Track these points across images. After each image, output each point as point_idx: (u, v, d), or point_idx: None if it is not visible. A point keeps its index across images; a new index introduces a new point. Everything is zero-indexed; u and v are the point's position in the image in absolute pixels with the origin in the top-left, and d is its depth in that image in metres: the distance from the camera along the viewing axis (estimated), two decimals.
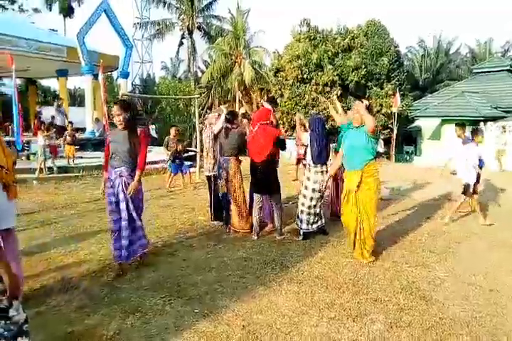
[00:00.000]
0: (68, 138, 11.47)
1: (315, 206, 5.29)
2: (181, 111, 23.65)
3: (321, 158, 5.21)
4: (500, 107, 19.58)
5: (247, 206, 5.67)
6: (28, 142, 12.08)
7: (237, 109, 21.73)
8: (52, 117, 15.51)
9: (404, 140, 22.82)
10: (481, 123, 17.87)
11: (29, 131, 15.72)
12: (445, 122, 19.71)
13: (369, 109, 4.57)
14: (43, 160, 10.10)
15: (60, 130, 13.20)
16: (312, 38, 21.46)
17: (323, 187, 5.29)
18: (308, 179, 5.30)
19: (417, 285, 3.88)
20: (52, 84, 31.44)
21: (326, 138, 5.27)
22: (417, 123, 22.51)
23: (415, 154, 22.44)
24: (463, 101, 19.71)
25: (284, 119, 20.71)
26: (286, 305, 3.48)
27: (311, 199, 5.26)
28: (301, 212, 5.34)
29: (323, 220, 5.49)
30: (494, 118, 18.38)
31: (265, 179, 5.22)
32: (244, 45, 24.84)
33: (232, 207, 5.59)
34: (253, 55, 24.92)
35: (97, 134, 15.34)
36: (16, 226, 5.39)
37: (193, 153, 11.17)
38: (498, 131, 16.34)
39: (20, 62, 13.12)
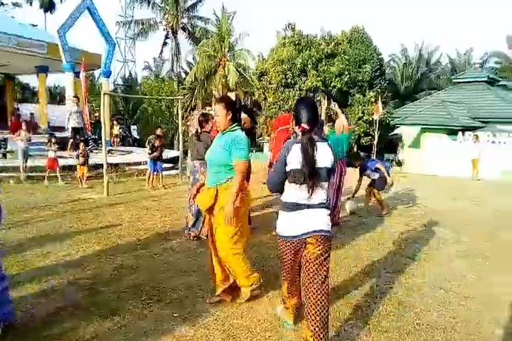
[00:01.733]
0: (81, 158, 9.32)
1: None
2: (164, 112, 23.51)
3: None
4: (478, 117, 20.13)
5: None
6: (5, 140, 11.78)
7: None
8: (32, 114, 15.17)
9: (385, 147, 23.21)
10: (460, 133, 18.33)
11: (6, 128, 15.36)
12: (425, 131, 20.15)
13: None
14: (23, 163, 9.50)
15: (76, 133, 12.77)
16: (297, 42, 21.70)
17: None
18: None
19: (395, 291, 3.94)
20: (30, 80, 30.81)
21: None
22: (397, 130, 22.92)
23: (396, 163, 22.82)
24: (443, 110, 20.20)
25: (268, 123, 20.81)
26: (266, 310, 3.49)
27: None
28: None
29: None
30: (473, 128, 18.88)
31: None
32: (229, 47, 24.91)
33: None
34: (237, 58, 25.00)
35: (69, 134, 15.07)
36: None
37: (175, 155, 11.12)
38: (472, 140, 16.78)
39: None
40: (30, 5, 37.30)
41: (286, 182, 2.75)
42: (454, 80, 25.06)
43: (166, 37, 30.30)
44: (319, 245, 2.69)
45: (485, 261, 4.93)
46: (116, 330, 3.08)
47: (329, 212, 2.81)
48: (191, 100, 25.09)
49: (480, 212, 7.72)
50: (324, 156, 2.67)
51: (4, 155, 11.24)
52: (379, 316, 3.42)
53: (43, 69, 17.13)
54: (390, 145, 23.44)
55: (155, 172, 9.14)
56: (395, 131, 23.00)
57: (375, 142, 17.33)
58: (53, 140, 9.59)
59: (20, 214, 6.50)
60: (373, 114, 18.92)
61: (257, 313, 3.42)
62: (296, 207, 2.71)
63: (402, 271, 4.47)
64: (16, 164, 9.80)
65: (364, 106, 22.11)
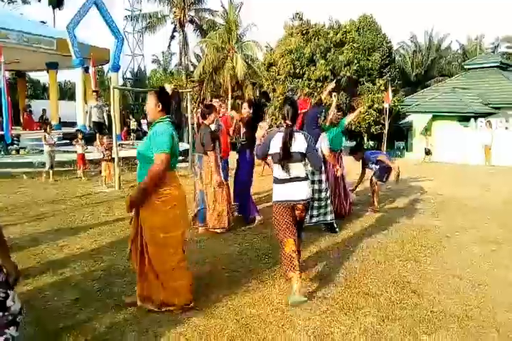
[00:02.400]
0: (107, 152, 8.78)
1: (312, 199, 5.05)
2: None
3: None
4: (490, 103, 19.77)
5: (228, 204, 5.47)
6: (18, 136, 11.93)
7: (229, 104, 21.69)
8: (44, 111, 15.29)
9: (395, 135, 22.97)
10: (472, 120, 18.05)
11: (19, 125, 15.56)
12: (436, 118, 19.88)
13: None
14: (49, 168, 9.13)
15: (98, 128, 12.03)
16: (304, 32, 21.47)
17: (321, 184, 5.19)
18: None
19: (408, 279, 3.92)
20: (41, 77, 31.04)
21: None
22: (408, 118, 22.67)
23: (406, 149, 22.60)
24: (454, 97, 19.88)
25: (277, 114, 20.70)
26: (279, 299, 3.50)
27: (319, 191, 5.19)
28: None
29: (331, 216, 5.33)
30: (485, 115, 18.56)
31: None
32: (237, 39, 24.76)
33: (208, 204, 5.37)
34: (245, 49, 24.86)
35: (88, 129, 15.19)
36: (8, 220, 5.37)
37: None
38: (485, 126, 16.49)
39: (10, 54, 12.93)
40: (39, 1, 37.42)
41: (272, 163, 3.64)
42: (465, 66, 24.59)
43: (174, 30, 30.21)
44: (301, 210, 3.62)
45: (499, 247, 4.88)
46: (131, 321, 3.13)
47: (309, 183, 3.63)
48: (200, 93, 25.07)
49: (492, 199, 7.62)
50: (299, 143, 3.47)
51: (17, 151, 11.39)
52: (392, 304, 3.42)
53: (53, 66, 17.25)
54: (400, 133, 23.20)
55: None
56: (406, 119, 22.75)
57: (385, 130, 17.17)
58: (80, 136, 9.66)
59: (36, 208, 6.60)
60: (383, 102, 18.69)
61: (270, 302, 3.43)
62: (280, 181, 3.56)
63: (415, 259, 4.45)
64: (27, 160, 9.95)
65: (374, 94, 21.85)
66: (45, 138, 9.22)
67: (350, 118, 6.74)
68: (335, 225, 5.41)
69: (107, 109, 12.20)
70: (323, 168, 4.97)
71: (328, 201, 5.32)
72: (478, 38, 36.84)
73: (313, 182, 5.06)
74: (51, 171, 9.16)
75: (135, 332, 2.98)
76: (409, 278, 3.97)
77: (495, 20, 69.45)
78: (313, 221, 5.25)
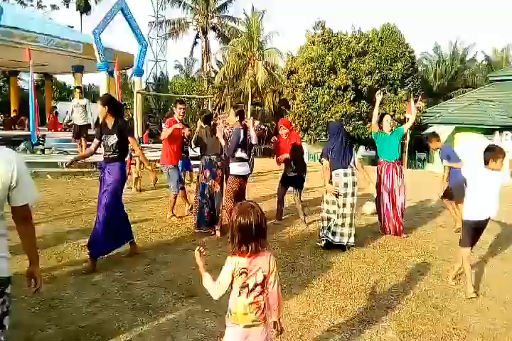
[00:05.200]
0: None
1: (344, 215, 4.88)
2: (194, 110, 23.76)
3: (342, 162, 4.89)
4: None
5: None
6: (44, 136, 12.19)
7: (248, 111, 21.78)
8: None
9: (416, 146, 22.65)
10: (497, 132, 17.71)
11: (45, 125, 15.91)
12: (459, 130, 19.54)
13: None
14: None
15: (78, 133, 10.68)
16: (326, 40, 21.42)
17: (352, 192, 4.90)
18: (336, 184, 4.90)
19: (429, 294, 3.84)
20: (67, 79, 31.76)
21: (349, 144, 5.10)
22: (430, 129, 22.32)
23: (427, 161, 22.26)
24: (478, 109, 19.52)
25: (297, 122, 20.67)
26: (297, 309, 3.47)
27: (333, 203, 4.92)
28: (323, 219, 5.03)
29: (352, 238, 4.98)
30: (510, 127, 18.18)
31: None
32: (258, 46, 24.92)
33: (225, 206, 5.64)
34: (266, 57, 24.98)
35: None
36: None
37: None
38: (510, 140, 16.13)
39: (39, 57, 13.29)
40: (67, 7, 38.46)
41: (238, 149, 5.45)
42: (490, 78, 24.17)
43: (197, 37, 30.62)
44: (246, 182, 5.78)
45: None
46: (149, 324, 3.14)
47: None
48: (220, 99, 25.26)
49: None
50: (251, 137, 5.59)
51: (42, 151, 11.63)
52: (413, 319, 3.35)
53: (78, 69, 17.64)
54: (421, 144, 22.86)
55: (185, 170, 9.09)
56: (428, 130, 22.43)
57: (406, 141, 16.92)
58: None
59: (59, 207, 6.71)
60: (405, 112, 18.46)
61: (288, 312, 3.39)
62: (240, 160, 5.54)
63: (438, 274, 4.35)
64: (52, 160, 10.14)
65: (395, 104, 21.61)
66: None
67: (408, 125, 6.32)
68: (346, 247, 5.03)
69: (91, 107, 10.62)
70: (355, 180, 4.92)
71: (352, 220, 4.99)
72: (505, 49, 36.22)
73: (345, 195, 4.84)
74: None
75: (153, 334, 2.98)
76: (430, 292, 3.88)
77: None
78: (338, 241, 4.94)
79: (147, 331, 3.03)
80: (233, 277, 1.99)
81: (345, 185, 4.84)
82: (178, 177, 6.25)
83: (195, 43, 31.40)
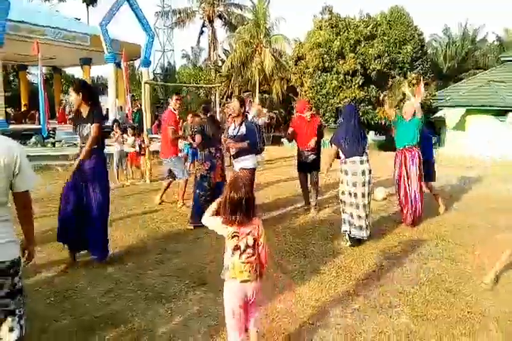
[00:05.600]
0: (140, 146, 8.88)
1: (364, 205, 4.57)
2: (202, 99, 23.68)
3: (357, 149, 4.63)
4: None
5: None
6: (54, 129, 12.28)
7: (256, 98, 21.63)
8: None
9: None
10: (509, 114, 17.36)
11: (54, 118, 16.01)
12: (470, 112, 19.19)
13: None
14: (117, 169, 8.49)
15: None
16: (334, 25, 21.06)
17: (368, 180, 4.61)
18: (346, 172, 4.65)
19: (443, 278, 3.80)
20: (75, 72, 31.81)
21: (361, 128, 4.86)
22: (440, 113, 21.97)
23: (439, 144, 21.96)
24: (489, 90, 19.10)
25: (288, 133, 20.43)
26: (309, 295, 3.46)
27: (355, 195, 4.57)
28: (344, 211, 4.67)
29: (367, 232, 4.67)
30: None
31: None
32: (265, 33, 24.57)
33: None
34: (274, 43, 24.66)
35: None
36: (42, 211, 5.51)
37: None
38: None
39: (47, 50, 13.31)
40: None
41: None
42: (502, 59, 23.59)
43: (203, 25, 30.33)
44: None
45: None
46: (162, 313, 3.16)
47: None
48: (228, 87, 25.08)
49: None
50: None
51: (53, 144, 11.72)
52: (427, 303, 3.32)
53: (86, 61, 17.67)
54: (432, 127, 22.54)
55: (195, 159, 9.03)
56: (438, 113, 22.08)
57: None
58: (117, 129, 8.73)
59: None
60: (415, 95, 18.17)
61: (300, 298, 3.39)
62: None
63: (451, 258, 4.30)
64: (63, 152, 10.22)
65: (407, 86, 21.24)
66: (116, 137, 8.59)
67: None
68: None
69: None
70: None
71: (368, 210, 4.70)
72: None
73: (363, 183, 4.58)
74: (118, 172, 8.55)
75: (166, 323, 3.00)
76: (444, 277, 3.85)
77: None
78: (363, 235, 4.62)
79: (160, 320, 3.05)
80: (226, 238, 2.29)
81: (363, 173, 4.56)
82: (183, 165, 6.47)
83: (202, 32, 31.13)
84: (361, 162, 4.60)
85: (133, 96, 19.64)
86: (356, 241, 4.65)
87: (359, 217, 4.58)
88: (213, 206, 2.42)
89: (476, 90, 19.70)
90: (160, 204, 6.50)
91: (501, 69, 22.18)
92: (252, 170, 5.30)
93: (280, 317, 3.09)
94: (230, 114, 6.52)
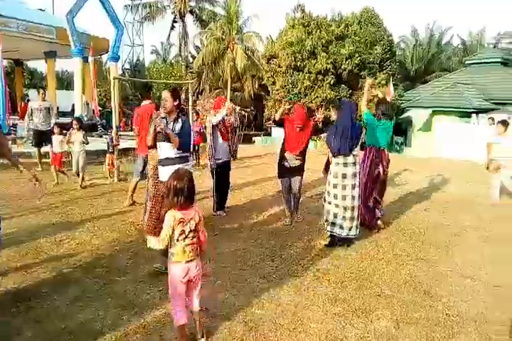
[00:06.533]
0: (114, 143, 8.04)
1: (345, 208, 4.49)
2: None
3: (343, 147, 4.49)
4: (492, 99, 19.61)
5: None
6: (15, 125, 11.69)
7: (228, 96, 21.43)
8: None
9: (394, 130, 22.81)
10: (473, 115, 17.91)
11: (16, 114, 15.28)
12: (436, 113, 19.72)
13: None
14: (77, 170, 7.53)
15: (38, 140, 8.80)
16: (306, 24, 21.12)
17: (352, 183, 4.51)
18: (330, 173, 4.65)
19: (420, 280, 3.80)
20: (38, 66, 30.61)
21: (357, 125, 4.62)
22: (407, 113, 22.49)
23: (405, 145, 22.47)
24: (455, 92, 19.70)
25: (277, 107, 20.45)
26: (288, 300, 3.37)
27: (335, 196, 4.52)
28: (328, 212, 4.61)
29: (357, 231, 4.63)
30: (486, 110, 18.42)
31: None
32: (237, 30, 24.38)
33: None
34: (246, 41, 24.51)
35: (85, 119, 14.92)
36: (3, 213, 5.19)
37: None
38: (488, 123, 16.35)
39: (9, 42, 12.64)
40: None
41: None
42: (466, 62, 24.39)
43: (174, 20, 29.73)
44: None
45: (509, 247, 4.75)
46: (135, 322, 2.99)
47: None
48: (199, 84, 24.74)
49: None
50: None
51: (14, 141, 11.15)
52: (406, 306, 3.30)
53: (51, 55, 16.95)
54: (399, 128, 23.02)
55: None
56: (406, 114, 22.58)
57: None
58: (76, 126, 7.54)
59: (33, 200, 6.42)
60: (384, 96, 18.48)
61: (279, 303, 3.30)
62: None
63: (426, 259, 4.33)
64: (25, 150, 9.72)
65: (375, 88, 21.60)
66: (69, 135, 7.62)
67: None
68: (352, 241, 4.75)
69: (55, 112, 9.23)
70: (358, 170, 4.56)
71: (357, 212, 4.62)
72: (480, 32, 36.57)
73: (344, 187, 4.50)
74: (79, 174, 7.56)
75: (139, 334, 2.84)
76: (421, 278, 3.85)
77: (496, 15, 69.04)
78: (345, 234, 4.57)
79: (133, 330, 2.88)
80: (173, 227, 2.60)
81: (344, 175, 4.48)
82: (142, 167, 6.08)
83: (173, 27, 30.49)
84: (345, 165, 4.49)
85: (99, 91, 19.00)
86: (337, 242, 4.61)
87: (343, 217, 4.52)
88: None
89: (442, 92, 20.28)
90: (131, 205, 6.26)
91: (465, 72, 22.93)
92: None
93: (259, 324, 2.99)
94: (197, 112, 6.39)
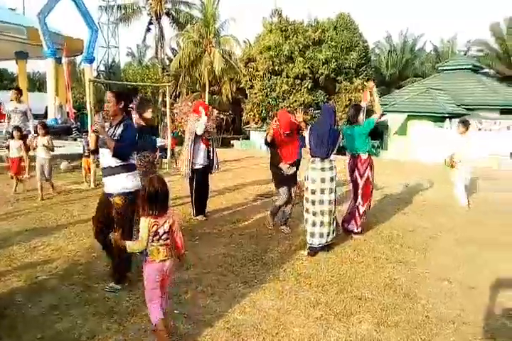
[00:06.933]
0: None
1: (323, 213, 4.47)
2: (148, 99, 23.02)
3: (321, 150, 4.47)
4: (463, 105, 20.22)
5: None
6: None
7: (206, 99, 21.36)
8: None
9: (370, 134, 23.18)
10: (447, 120, 18.40)
11: None
12: (411, 118, 20.17)
13: None
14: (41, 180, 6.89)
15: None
16: (283, 29, 21.32)
17: (330, 187, 4.49)
18: (306, 178, 4.57)
19: (399, 283, 3.86)
20: (9, 66, 29.77)
21: (335, 130, 4.56)
22: (383, 118, 22.90)
23: (381, 148, 22.86)
24: (429, 97, 20.21)
25: (255, 111, 20.54)
26: (270, 304, 3.37)
27: (313, 202, 4.49)
28: (306, 221, 4.57)
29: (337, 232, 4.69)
30: (458, 115, 18.95)
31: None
32: (214, 33, 24.38)
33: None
34: (223, 44, 24.53)
35: (59, 122, 14.57)
36: None
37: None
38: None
39: None
40: None
41: None
42: (439, 68, 25.08)
43: (150, 22, 29.48)
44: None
45: (480, 249, 4.84)
46: (114, 330, 2.92)
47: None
48: (176, 87, 24.57)
49: (471, 199, 7.69)
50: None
51: None
52: (386, 309, 3.33)
53: (22, 55, 16.49)
54: (375, 131, 23.44)
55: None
56: (381, 118, 22.98)
57: None
58: (42, 131, 6.95)
59: (5, 206, 6.22)
60: (360, 101, 18.78)
61: (261, 308, 3.29)
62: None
63: (404, 261, 4.39)
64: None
65: (351, 93, 21.98)
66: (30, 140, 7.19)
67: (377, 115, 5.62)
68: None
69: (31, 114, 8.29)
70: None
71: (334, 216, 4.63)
72: (451, 39, 37.71)
73: (322, 191, 4.47)
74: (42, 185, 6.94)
75: None
76: (400, 281, 3.91)
77: (467, 22, 71.37)
78: (329, 239, 4.55)
79: (113, 339, 2.81)
80: (149, 229, 2.69)
81: (323, 180, 4.46)
82: None
83: (149, 29, 30.21)
84: (322, 169, 4.46)
85: (73, 93, 18.59)
86: (318, 250, 4.55)
87: (321, 223, 4.48)
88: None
89: (416, 97, 20.76)
90: None
91: (438, 78, 23.56)
92: (127, 196, 3.49)
93: (241, 330, 2.97)
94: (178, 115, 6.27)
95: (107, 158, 3.51)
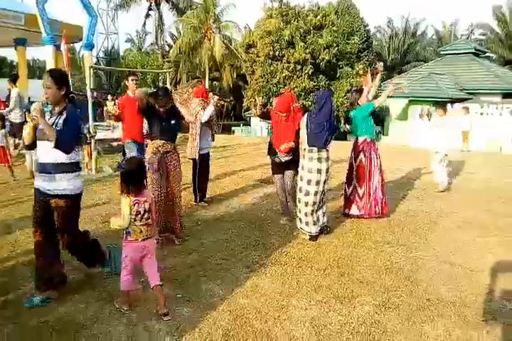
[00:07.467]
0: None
1: (314, 203, 4.46)
2: (149, 85, 22.88)
3: (318, 139, 4.36)
4: (465, 89, 20.05)
5: None
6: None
7: (206, 85, 21.18)
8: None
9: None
10: (448, 104, 18.25)
11: None
12: (412, 103, 20.03)
13: None
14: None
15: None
16: (284, 14, 21.02)
17: (324, 179, 4.47)
18: (303, 168, 4.52)
19: (400, 266, 3.87)
20: (8, 54, 29.54)
21: (331, 118, 4.46)
22: (384, 103, 22.74)
23: (382, 134, 22.77)
24: (430, 82, 20.02)
25: (256, 97, 20.39)
26: (272, 288, 3.39)
27: (308, 193, 4.46)
28: (300, 211, 4.56)
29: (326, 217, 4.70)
30: (460, 100, 18.82)
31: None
32: (215, 18, 24.07)
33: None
34: (223, 30, 24.24)
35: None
36: None
37: None
38: (463, 112, 16.73)
39: None
40: None
41: None
42: (441, 52, 24.78)
43: (149, 8, 29.11)
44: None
45: (481, 233, 4.86)
46: (116, 314, 2.95)
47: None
48: (176, 73, 24.38)
49: (472, 184, 7.68)
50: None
51: None
52: (387, 292, 3.35)
53: (21, 42, 16.30)
54: (376, 117, 23.31)
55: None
56: (382, 104, 22.84)
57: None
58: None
59: (7, 192, 6.25)
60: (362, 86, 18.62)
61: (263, 292, 3.31)
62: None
63: (406, 245, 4.40)
64: None
65: (352, 78, 21.78)
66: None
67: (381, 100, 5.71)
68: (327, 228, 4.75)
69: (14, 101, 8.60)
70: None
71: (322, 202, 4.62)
72: (453, 23, 37.19)
73: (308, 181, 4.45)
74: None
75: (123, 326, 2.80)
76: (401, 264, 3.92)
77: (469, 6, 70.29)
78: (320, 224, 4.60)
79: (116, 322, 2.84)
80: (130, 207, 2.86)
81: (319, 171, 4.39)
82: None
83: (148, 15, 29.85)
84: (319, 159, 4.39)
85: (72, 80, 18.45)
86: (318, 235, 4.58)
87: (305, 213, 4.49)
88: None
89: (418, 82, 20.57)
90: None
91: (440, 63, 23.30)
92: (74, 200, 3.18)
93: (244, 313, 2.99)
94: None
95: (47, 151, 2.99)
